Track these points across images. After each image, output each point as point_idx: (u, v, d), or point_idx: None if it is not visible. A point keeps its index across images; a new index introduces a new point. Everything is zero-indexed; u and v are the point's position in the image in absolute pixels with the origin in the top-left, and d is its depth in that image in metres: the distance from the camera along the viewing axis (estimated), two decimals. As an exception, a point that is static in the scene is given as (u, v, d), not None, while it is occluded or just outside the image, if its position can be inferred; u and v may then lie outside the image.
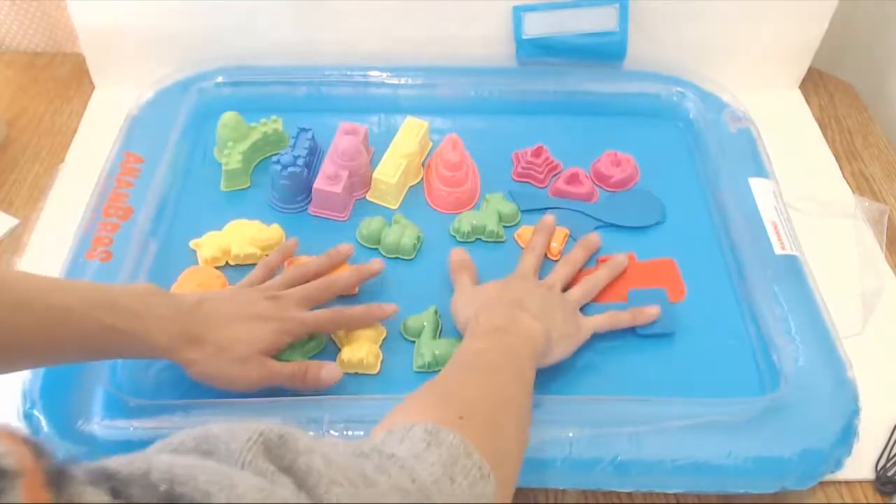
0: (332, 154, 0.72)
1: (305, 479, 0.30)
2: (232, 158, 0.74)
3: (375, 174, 0.73)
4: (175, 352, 0.53)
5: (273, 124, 0.77)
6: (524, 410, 0.49)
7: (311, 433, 0.42)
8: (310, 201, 0.72)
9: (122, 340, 0.51)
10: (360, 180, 0.73)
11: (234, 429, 0.30)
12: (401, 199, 0.74)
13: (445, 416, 0.42)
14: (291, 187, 0.71)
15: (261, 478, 0.29)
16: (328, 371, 0.58)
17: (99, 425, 0.54)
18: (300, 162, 0.71)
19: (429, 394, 0.47)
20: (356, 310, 0.62)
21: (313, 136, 0.75)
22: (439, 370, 0.60)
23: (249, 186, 0.75)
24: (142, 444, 0.52)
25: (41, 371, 0.56)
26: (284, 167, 0.71)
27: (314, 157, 0.75)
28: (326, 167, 0.71)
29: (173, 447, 0.30)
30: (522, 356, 0.54)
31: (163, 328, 0.53)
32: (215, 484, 0.27)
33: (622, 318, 0.63)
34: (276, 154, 0.74)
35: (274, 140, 0.77)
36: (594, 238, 0.70)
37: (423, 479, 0.36)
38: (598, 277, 0.66)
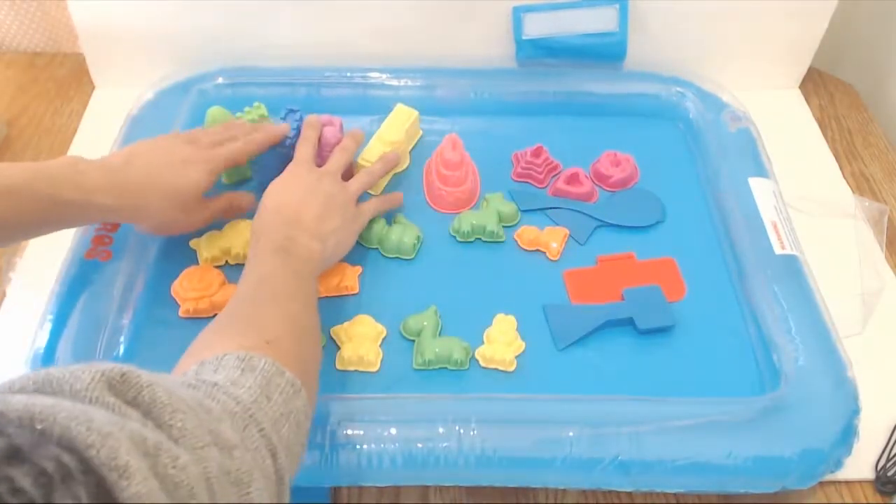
0: (319, 150, 0.71)
1: (150, 410, 0.32)
2: None
3: (358, 159, 0.72)
4: (123, 210, 0.60)
5: (257, 110, 0.76)
6: (317, 336, 0.54)
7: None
8: None
9: (66, 210, 0.56)
10: (345, 172, 0.72)
11: (75, 370, 0.31)
12: (383, 186, 0.74)
13: (253, 343, 0.46)
14: (280, 168, 0.71)
15: (109, 411, 0.30)
16: (247, 199, 0.69)
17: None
18: (287, 143, 0.71)
19: (230, 324, 0.50)
20: (258, 131, 0.69)
21: (301, 117, 0.74)
22: (440, 368, 0.61)
23: (250, 178, 0.75)
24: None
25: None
26: (273, 148, 0.71)
27: None
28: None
29: (15, 389, 0.31)
30: (306, 277, 0.57)
31: (105, 190, 0.58)
32: (73, 419, 0.28)
33: (388, 198, 0.71)
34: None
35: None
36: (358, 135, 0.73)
37: (245, 400, 0.40)
38: (373, 169, 0.70)
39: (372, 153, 0.73)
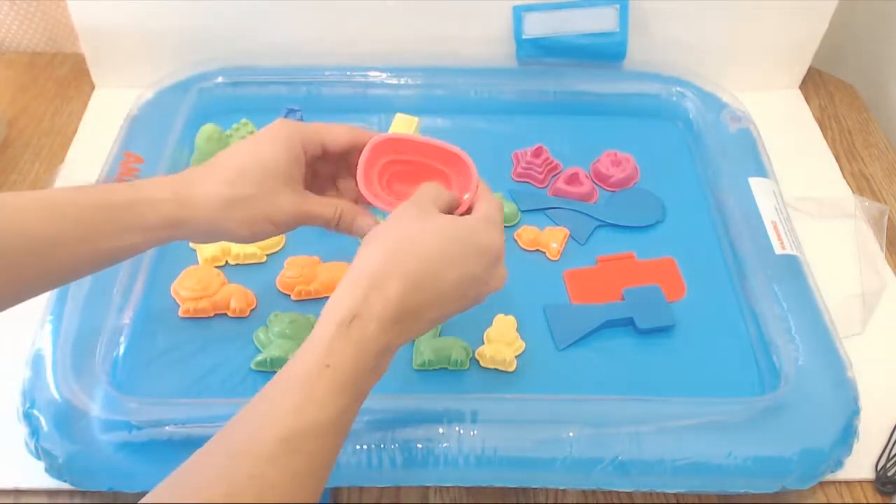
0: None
1: None
2: None
3: None
4: (183, 204, 0.49)
5: (245, 128, 0.76)
6: None
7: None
8: None
9: (111, 217, 0.47)
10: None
11: None
12: None
13: None
14: None
15: None
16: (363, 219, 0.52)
17: (98, 425, 0.54)
18: None
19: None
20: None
21: (301, 117, 0.74)
22: (439, 368, 0.61)
23: None
24: (141, 444, 0.53)
25: (41, 371, 0.56)
26: None
27: None
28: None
29: None
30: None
31: (162, 183, 0.49)
32: None
33: None
34: None
35: None
36: None
37: None
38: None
39: None
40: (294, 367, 0.41)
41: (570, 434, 0.54)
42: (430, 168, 0.55)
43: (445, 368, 0.61)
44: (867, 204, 0.77)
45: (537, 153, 0.77)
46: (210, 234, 0.51)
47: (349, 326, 0.41)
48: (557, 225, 0.73)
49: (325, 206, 0.52)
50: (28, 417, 0.54)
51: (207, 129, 0.75)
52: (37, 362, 0.57)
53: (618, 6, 0.81)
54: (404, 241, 0.45)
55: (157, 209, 0.48)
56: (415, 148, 0.54)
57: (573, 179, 0.75)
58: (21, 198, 0.47)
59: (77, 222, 0.47)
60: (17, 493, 0.56)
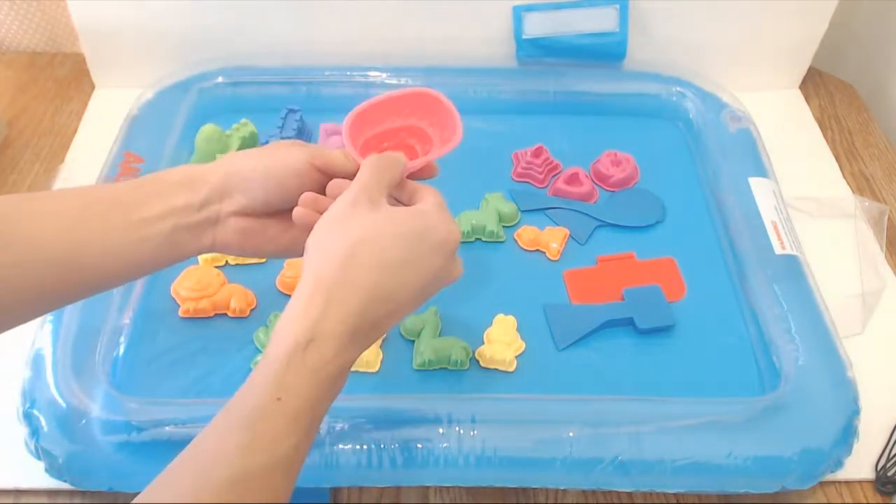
0: None
1: None
2: None
3: None
4: (205, 183, 0.47)
5: (246, 128, 0.77)
6: None
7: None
8: None
9: (126, 204, 0.45)
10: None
11: None
12: None
13: None
14: None
15: None
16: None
17: (99, 425, 0.54)
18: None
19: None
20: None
21: (301, 118, 0.74)
22: (439, 369, 0.61)
23: None
24: (141, 444, 0.53)
25: (41, 371, 0.56)
26: None
27: (303, 138, 0.75)
28: None
29: None
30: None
31: (180, 169, 0.48)
32: None
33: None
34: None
35: (251, 142, 0.77)
36: None
37: None
38: None
39: None
40: (244, 399, 0.37)
41: (570, 434, 0.54)
42: (409, 129, 0.54)
43: (445, 368, 0.61)
44: (867, 204, 0.77)
45: (537, 153, 0.77)
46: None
47: (305, 351, 0.38)
48: (557, 225, 0.73)
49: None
50: (28, 417, 0.54)
51: (207, 129, 0.75)
52: (37, 362, 0.57)
53: (618, 6, 0.81)
54: (361, 245, 0.41)
55: (173, 173, 0.47)
56: (385, 110, 0.53)
57: (573, 179, 0.75)
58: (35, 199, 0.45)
59: (101, 199, 0.44)
60: (17, 493, 0.56)
